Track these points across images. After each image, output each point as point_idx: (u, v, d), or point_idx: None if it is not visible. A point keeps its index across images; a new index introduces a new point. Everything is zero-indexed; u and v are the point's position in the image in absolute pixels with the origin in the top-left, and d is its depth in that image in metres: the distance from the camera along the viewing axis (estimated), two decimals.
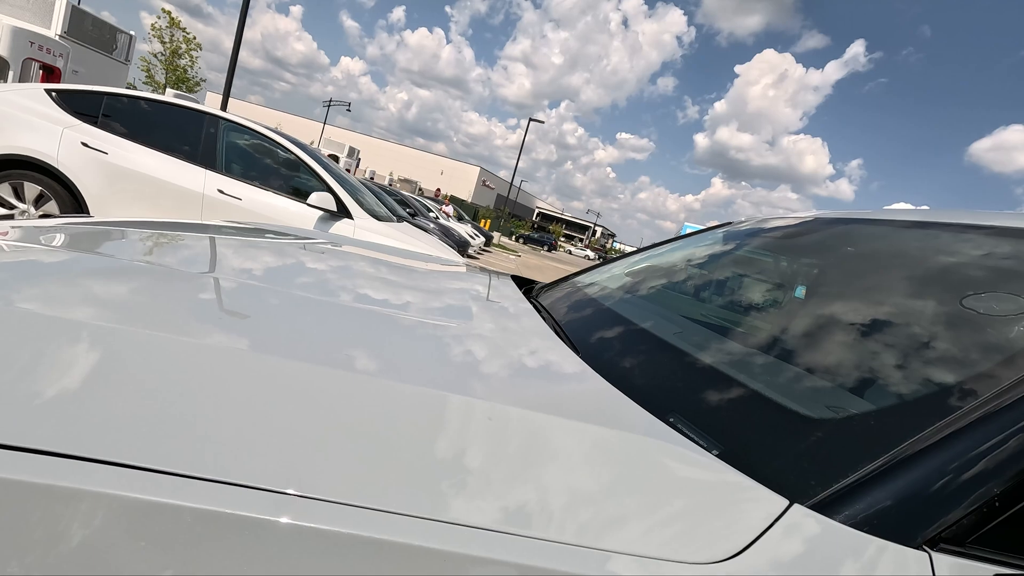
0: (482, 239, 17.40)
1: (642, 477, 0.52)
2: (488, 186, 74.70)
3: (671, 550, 0.44)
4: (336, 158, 23.96)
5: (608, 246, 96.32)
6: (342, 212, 3.88)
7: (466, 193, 65.23)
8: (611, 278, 1.54)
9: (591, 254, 63.63)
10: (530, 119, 31.95)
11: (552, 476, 0.50)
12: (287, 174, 4.05)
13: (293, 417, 0.49)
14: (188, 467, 0.41)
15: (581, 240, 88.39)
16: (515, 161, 31.31)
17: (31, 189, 3.59)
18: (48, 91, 3.74)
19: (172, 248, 1.13)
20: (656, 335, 0.97)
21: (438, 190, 33.23)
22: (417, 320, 0.89)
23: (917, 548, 0.48)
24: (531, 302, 1.33)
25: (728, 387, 0.77)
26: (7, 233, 0.96)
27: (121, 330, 0.57)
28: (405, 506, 0.42)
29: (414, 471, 0.47)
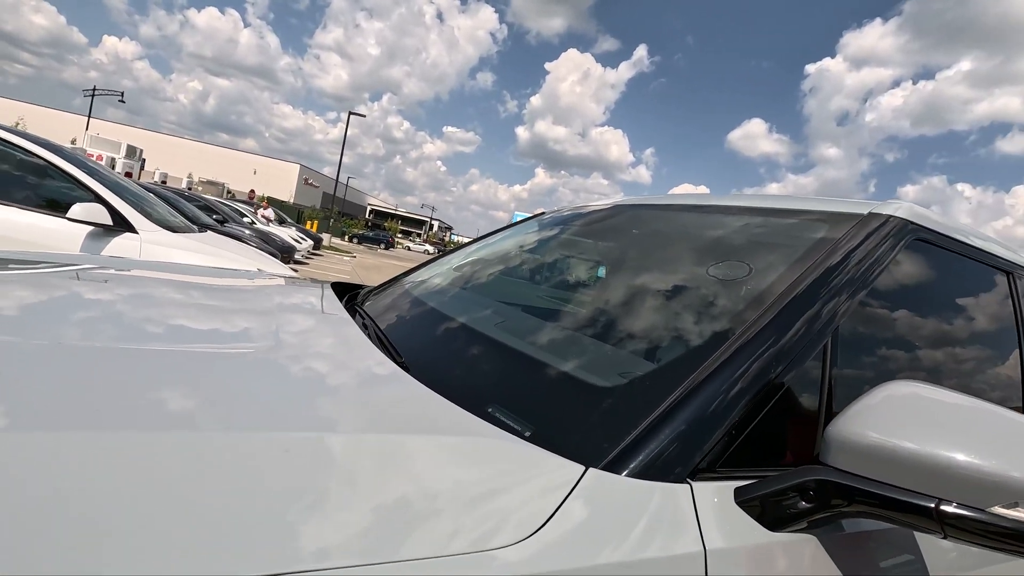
0: (310, 243, 16.12)
1: (451, 477, 0.54)
2: (312, 184, 69.32)
3: (478, 542, 0.46)
4: (112, 161, 19.96)
5: (447, 239, 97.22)
6: (120, 225, 3.24)
7: (287, 193, 59.68)
8: (436, 275, 1.55)
9: (431, 248, 63.44)
10: (350, 112, 30.43)
11: (359, 497, 0.48)
12: (33, 182, 3.23)
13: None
14: None
15: (419, 235, 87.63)
16: (339, 157, 29.61)
17: None
18: None
19: None
20: (474, 328, 1.01)
21: (252, 191, 29.81)
22: (207, 351, 0.79)
23: (681, 482, 0.59)
24: (354, 309, 1.27)
25: (537, 369, 0.83)
26: None
27: None
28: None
29: (211, 528, 0.41)
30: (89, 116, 34.38)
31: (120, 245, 3.22)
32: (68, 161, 3.32)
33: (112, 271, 1.41)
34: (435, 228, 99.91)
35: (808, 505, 0.59)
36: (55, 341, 0.72)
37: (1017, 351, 1.06)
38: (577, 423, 0.68)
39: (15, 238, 2.98)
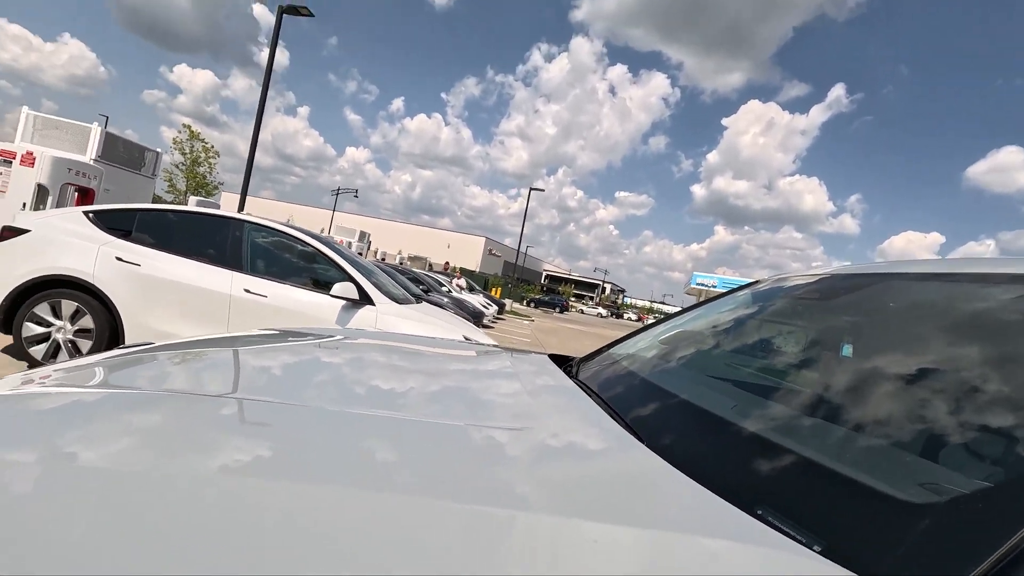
0: (495, 308, 17.50)
1: None
2: (495, 254, 76.22)
3: None
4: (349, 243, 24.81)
5: (619, 302, 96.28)
6: (364, 300, 3.96)
7: (473, 263, 66.49)
8: (655, 348, 1.53)
9: (603, 311, 63.46)
10: (530, 188, 33.13)
11: None
12: (309, 267, 4.18)
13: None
14: None
15: (592, 298, 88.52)
16: (520, 228, 32.17)
17: (68, 306, 3.73)
18: (86, 212, 3.99)
19: (195, 370, 1.15)
20: (722, 416, 0.95)
21: (447, 263, 33.96)
22: (478, 427, 0.88)
23: None
24: (577, 380, 1.32)
25: (818, 471, 0.74)
26: (49, 376, 0.98)
27: (122, 472, 0.56)
28: None
29: None
30: (334, 210, 43.79)
31: (362, 316, 3.91)
32: (331, 249, 4.21)
33: (363, 340, 1.72)
34: (607, 291, 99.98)
35: None
36: (324, 404, 0.90)
37: None
38: (890, 544, 0.58)
39: (296, 310, 3.84)
